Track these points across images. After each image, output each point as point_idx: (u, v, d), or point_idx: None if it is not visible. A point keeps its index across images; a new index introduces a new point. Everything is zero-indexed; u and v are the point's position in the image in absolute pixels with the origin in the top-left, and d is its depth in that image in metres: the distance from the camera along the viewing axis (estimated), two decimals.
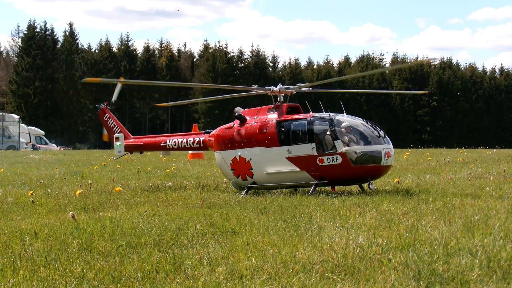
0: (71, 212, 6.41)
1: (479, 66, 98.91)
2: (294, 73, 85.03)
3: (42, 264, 4.47)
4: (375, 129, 8.33)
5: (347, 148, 8.17)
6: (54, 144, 57.15)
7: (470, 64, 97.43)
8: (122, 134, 10.68)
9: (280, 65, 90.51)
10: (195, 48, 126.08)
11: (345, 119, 8.41)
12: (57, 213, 7.02)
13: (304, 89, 9.12)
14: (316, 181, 8.39)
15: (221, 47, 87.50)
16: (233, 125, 9.02)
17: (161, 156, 21.40)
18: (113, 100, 12.50)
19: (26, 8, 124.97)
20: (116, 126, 11.20)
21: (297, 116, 8.63)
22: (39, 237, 5.46)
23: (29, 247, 5.01)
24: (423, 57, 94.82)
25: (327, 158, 8.25)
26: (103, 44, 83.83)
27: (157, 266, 4.34)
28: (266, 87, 9.04)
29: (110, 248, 4.99)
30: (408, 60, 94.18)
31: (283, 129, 8.56)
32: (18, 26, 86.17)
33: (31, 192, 8.78)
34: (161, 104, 13.59)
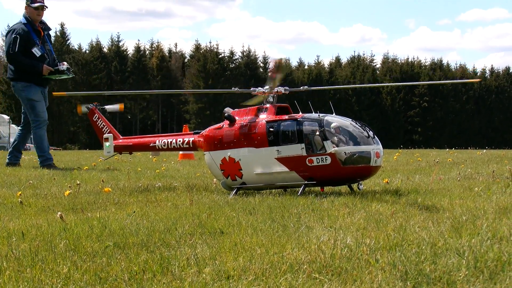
0: (59, 213, 6.38)
1: (470, 67, 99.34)
2: (285, 73, 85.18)
3: (29, 265, 4.45)
4: (364, 130, 8.33)
5: (336, 148, 8.16)
6: None
7: (460, 64, 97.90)
8: (111, 134, 10.65)
9: (271, 66, 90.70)
10: (186, 49, 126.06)
11: (334, 120, 8.40)
12: (45, 214, 6.98)
13: (293, 89, 9.10)
14: (306, 182, 8.37)
15: (212, 48, 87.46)
16: (223, 125, 9.00)
17: (151, 156, 21.38)
18: (106, 108, 12.51)
19: (15, 8, 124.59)
20: (105, 126, 11.17)
21: (286, 117, 8.62)
22: (27, 238, 5.43)
23: (16, 247, 4.99)
24: (413, 58, 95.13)
25: (316, 158, 8.24)
26: (93, 44, 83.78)
27: (144, 267, 4.33)
28: (258, 88, 9.02)
29: (98, 248, 4.97)
30: (399, 61, 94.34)
31: (272, 129, 8.53)
32: (8, 26, 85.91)
33: (19, 192, 8.73)
34: (58, 94, 12.57)
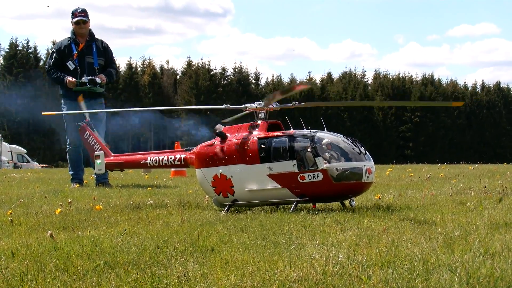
0: (49, 232, 6.34)
1: (461, 82, 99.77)
2: (277, 89, 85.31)
3: (18, 285, 4.40)
4: (356, 146, 8.32)
5: (328, 165, 8.14)
6: (36, 162, 56.77)
7: (451, 80, 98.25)
8: (102, 152, 10.61)
9: (263, 82, 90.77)
10: (178, 66, 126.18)
11: (326, 136, 8.39)
12: (36, 233, 6.93)
13: (287, 105, 9.09)
14: (297, 198, 8.35)
15: (204, 64, 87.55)
16: (214, 142, 8.98)
17: (142, 173, 21.31)
18: (87, 117, 12.50)
19: (5, 26, 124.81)
20: (96, 143, 11.14)
21: (277, 133, 8.60)
22: (16, 257, 5.38)
23: (5, 267, 4.94)
24: (404, 73, 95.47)
25: (308, 175, 8.21)
26: None
27: (134, 286, 4.29)
28: (247, 104, 9.01)
29: (88, 267, 4.92)
30: (390, 76, 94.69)
31: (263, 146, 8.51)
32: None
33: (10, 211, 8.68)
34: (47, 113, 12.36)
